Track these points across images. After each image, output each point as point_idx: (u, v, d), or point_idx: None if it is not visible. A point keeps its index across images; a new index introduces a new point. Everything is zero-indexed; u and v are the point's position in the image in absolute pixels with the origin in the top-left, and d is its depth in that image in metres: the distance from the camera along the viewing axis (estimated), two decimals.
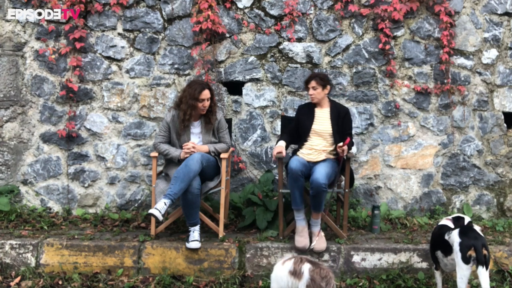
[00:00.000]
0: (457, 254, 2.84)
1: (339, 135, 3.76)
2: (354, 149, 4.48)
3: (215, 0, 4.41)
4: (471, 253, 2.77)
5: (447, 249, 2.95)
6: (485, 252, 2.77)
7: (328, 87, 3.83)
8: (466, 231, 2.88)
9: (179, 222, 4.08)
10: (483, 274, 2.74)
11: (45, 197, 4.52)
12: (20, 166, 4.52)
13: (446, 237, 2.96)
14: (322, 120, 3.83)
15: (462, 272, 2.82)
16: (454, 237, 2.89)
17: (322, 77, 3.81)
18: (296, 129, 3.91)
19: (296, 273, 2.60)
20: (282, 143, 3.82)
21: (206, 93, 3.71)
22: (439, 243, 3.03)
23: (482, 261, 2.74)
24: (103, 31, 4.49)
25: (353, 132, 4.43)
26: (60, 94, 4.43)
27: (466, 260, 2.79)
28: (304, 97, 4.48)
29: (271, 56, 4.52)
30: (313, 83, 3.77)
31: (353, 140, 3.94)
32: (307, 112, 3.89)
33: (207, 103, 3.75)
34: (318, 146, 3.77)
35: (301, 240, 3.56)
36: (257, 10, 4.49)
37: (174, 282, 3.46)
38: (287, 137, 3.89)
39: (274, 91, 4.52)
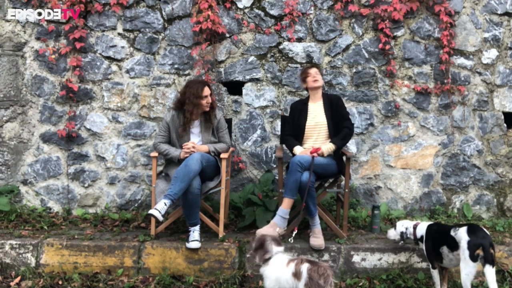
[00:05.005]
0: (464, 252, 2.88)
1: (335, 124, 3.80)
2: (354, 149, 4.50)
3: (215, 0, 4.41)
4: (479, 252, 2.82)
5: (454, 245, 2.99)
6: (491, 251, 2.82)
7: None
8: (474, 230, 2.93)
9: (179, 222, 4.08)
10: (490, 273, 2.79)
11: (45, 197, 4.52)
12: (20, 166, 4.52)
13: (453, 233, 3.01)
14: (317, 113, 3.87)
15: (469, 269, 2.87)
16: (462, 235, 2.93)
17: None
18: (293, 126, 3.92)
19: (297, 274, 2.66)
20: (300, 148, 3.80)
21: (207, 90, 3.77)
22: (445, 239, 3.07)
23: (490, 260, 2.80)
24: (103, 31, 4.49)
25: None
26: (60, 94, 4.43)
27: (473, 258, 2.84)
28: (304, 97, 4.47)
29: (271, 56, 4.51)
30: (317, 70, 3.93)
31: (352, 130, 3.87)
32: (301, 108, 3.93)
33: (209, 99, 3.79)
34: (314, 143, 3.79)
35: (316, 239, 3.57)
36: (257, 10, 4.49)
37: (174, 282, 3.46)
38: (294, 139, 3.89)
39: (274, 91, 4.52)
